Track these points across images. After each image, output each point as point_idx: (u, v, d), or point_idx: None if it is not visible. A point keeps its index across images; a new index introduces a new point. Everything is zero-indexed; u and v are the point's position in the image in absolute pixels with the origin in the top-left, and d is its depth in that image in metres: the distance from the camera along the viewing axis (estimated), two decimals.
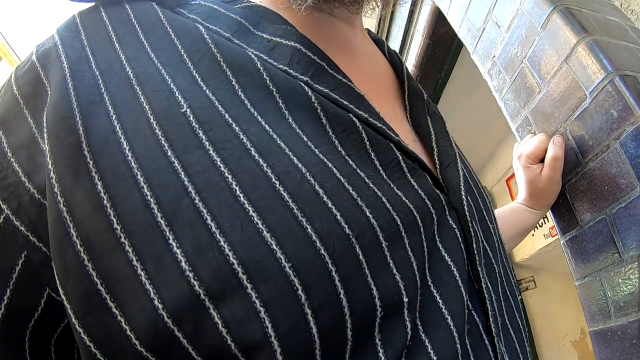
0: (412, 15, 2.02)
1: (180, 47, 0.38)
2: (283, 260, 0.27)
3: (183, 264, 0.27)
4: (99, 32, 0.39)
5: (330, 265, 0.29)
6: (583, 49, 0.88)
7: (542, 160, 0.95)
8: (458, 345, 0.34)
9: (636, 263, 0.78)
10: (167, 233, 0.28)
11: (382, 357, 0.30)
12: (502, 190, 3.81)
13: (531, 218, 1.00)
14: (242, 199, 0.29)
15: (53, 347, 0.34)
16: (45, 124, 0.32)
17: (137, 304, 0.27)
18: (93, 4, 0.42)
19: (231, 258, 0.27)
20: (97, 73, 0.35)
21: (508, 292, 0.46)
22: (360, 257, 0.30)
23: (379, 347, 0.30)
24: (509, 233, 0.96)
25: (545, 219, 2.94)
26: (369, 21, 2.39)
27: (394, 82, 0.55)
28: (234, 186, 0.29)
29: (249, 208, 0.29)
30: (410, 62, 2.18)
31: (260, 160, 0.31)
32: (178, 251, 0.27)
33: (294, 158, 0.32)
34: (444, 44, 2.00)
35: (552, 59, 0.94)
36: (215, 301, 0.26)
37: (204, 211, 0.28)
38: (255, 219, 0.28)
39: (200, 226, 0.28)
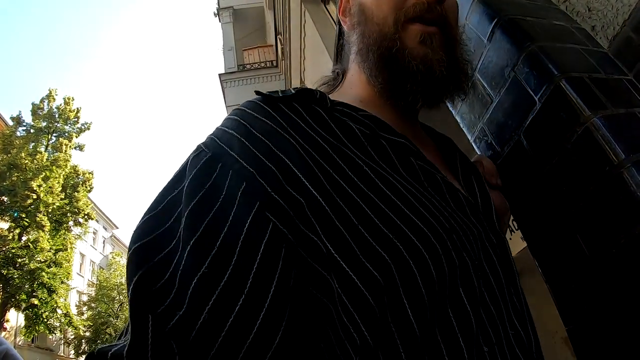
0: None
1: (341, 135, 0.64)
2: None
3: None
4: (291, 121, 0.63)
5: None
6: (528, 56, 0.90)
7: None
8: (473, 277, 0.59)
9: (603, 258, 0.80)
10: None
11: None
12: None
13: None
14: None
15: None
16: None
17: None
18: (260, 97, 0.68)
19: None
20: (308, 147, 0.60)
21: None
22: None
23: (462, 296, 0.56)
24: None
25: None
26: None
27: (438, 151, 0.83)
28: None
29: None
30: None
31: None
32: None
33: (413, 201, 0.59)
34: None
35: (501, 69, 0.97)
36: None
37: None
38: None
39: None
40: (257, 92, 0.70)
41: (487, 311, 0.59)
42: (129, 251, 0.53)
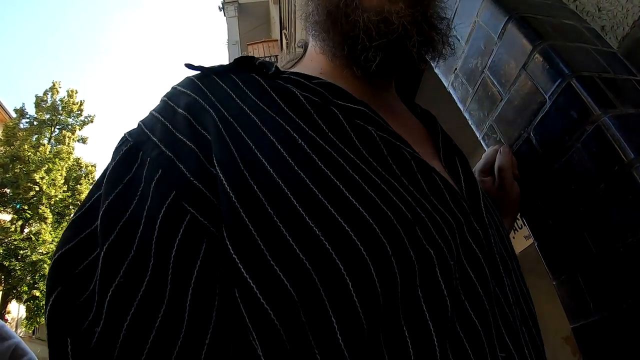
0: None
1: (282, 105, 0.54)
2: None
3: None
4: (220, 92, 0.55)
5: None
6: (539, 54, 0.91)
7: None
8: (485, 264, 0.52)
9: (610, 257, 0.80)
10: None
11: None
12: None
13: None
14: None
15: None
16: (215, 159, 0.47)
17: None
18: (200, 72, 0.60)
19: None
20: (232, 120, 0.51)
21: (511, 253, 0.65)
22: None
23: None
24: None
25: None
26: None
27: (422, 130, 0.74)
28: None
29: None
30: None
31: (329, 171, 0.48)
32: None
33: (369, 175, 0.49)
34: None
35: (511, 67, 0.97)
36: None
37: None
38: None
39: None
40: (189, 66, 0.61)
41: (468, 327, 0.46)
42: (52, 256, 0.46)
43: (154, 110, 0.56)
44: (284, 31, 8.87)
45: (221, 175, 0.45)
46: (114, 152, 0.52)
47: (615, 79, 0.91)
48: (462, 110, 1.18)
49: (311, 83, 0.60)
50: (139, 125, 0.54)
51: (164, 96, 0.57)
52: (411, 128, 0.71)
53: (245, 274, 0.40)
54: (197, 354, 0.40)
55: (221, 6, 12.31)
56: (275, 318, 0.39)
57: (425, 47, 0.63)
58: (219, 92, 0.55)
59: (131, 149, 0.50)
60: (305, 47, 0.79)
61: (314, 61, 0.72)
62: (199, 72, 0.61)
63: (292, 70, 0.68)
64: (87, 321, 0.41)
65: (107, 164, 0.52)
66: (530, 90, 0.93)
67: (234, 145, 0.48)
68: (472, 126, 1.15)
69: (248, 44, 10.91)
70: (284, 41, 9.11)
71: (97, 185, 0.50)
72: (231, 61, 0.63)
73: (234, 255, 0.41)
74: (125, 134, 0.54)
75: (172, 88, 0.58)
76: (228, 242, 0.42)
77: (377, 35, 0.58)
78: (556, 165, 0.89)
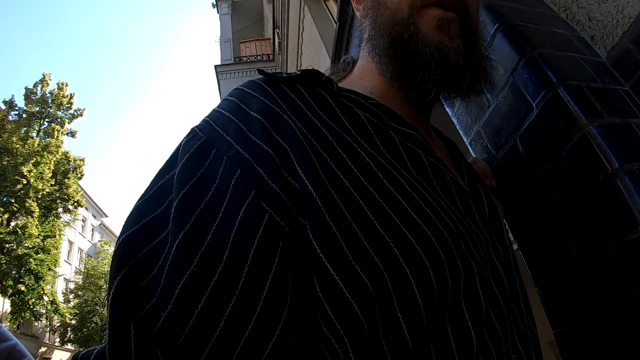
0: None
1: (346, 122, 0.59)
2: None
3: None
4: (291, 102, 0.58)
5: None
6: (528, 62, 0.91)
7: None
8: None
9: (592, 264, 0.81)
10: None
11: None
12: None
13: None
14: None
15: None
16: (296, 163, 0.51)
17: None
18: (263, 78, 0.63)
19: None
20: (306, 132, 0.54)
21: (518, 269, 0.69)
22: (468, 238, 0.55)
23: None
24: None
25: None
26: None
27: (449, 154, 0.78)
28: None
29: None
30: None
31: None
32: None
33: (414, 195, 0.53)
34: None
35: (500, 74, 0.98)
36: None
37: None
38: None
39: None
40: (260, 71, 0.65)
41: (491, 330, 0.53)
42: (118, 239, 0.48)
43: (221, 108, 0.59)
44: (276, 30, 8.86)
45: (307, 183, 0.49)
46: (184, 145, 0.55)
47: (604, 88, 0.92)
48: (450, 115, 1.19)
49: (368, 103, 0.64)
50: (206, 121, 0.57)
51: (232, 96, 0.60)
52: (444, 153, 0.77)
53: (332, 272, 0.45)
54: (265, 344, 0.43)
55: (215, 3, 12.27)
56: (358, 310, 0.44)
57: (474, 85, 0.69)
58: (290, 102, 0.58)
59: (204, 144, 0.53)
60: (351, 63, 0.84)
61: (364, 79, 0.75)
62: (262, 76, 0.64)
63: (341, 85, 0.70)
64: (149, 304, 0.43)
65: (170, 154, 0.56)
66: (518, 97, 0.94)
67: (315, 157, 0.51)
68: (459, 131, 1.16)
69: (240, 42, 10.88)
70: (277, 40, 9.10)
71: (161, 173, 0.54)
72: (297, 71, 0.65)
73: (320, 255, 0.45)
74: (194, 128, 0.57)
75: (239, 89, 0.61)
76: (315, 242, 0.46)
77: (435, 69, 0.64)
78: (541, 172, 0.90)
